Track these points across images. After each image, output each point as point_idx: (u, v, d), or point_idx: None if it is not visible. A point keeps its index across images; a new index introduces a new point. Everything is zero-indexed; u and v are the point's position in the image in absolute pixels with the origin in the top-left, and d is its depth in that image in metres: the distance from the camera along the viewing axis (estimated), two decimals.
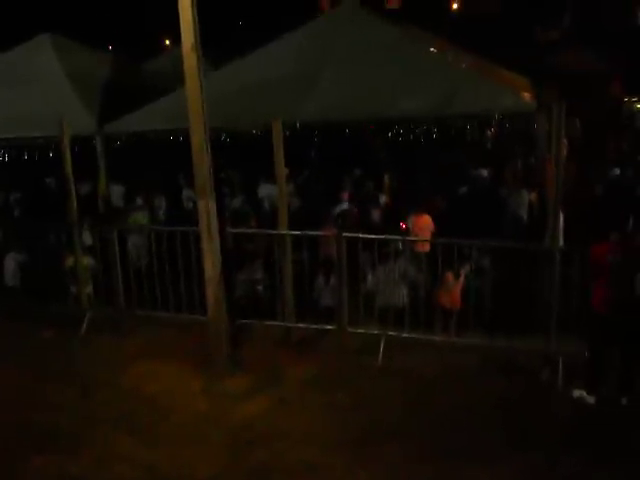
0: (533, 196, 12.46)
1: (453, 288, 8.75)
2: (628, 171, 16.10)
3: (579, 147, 20.89)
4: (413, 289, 8.44)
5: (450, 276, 8.66)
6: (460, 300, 8.75)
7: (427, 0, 44.65)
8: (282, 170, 8.25)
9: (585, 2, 45.73)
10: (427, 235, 10.01)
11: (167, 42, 38.40)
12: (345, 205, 11.78)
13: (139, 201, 12.95)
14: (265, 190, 13.79)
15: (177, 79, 7.81)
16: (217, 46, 17.83)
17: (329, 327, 8.14)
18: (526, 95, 8.49)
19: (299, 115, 9.97)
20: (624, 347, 6.59)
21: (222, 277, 7.48)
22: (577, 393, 6.73)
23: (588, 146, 21.88)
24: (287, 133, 9.76)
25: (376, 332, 7.86)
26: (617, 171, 15.99)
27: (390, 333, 7.77)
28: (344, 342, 7.99)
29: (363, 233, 8.28)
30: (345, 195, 12.47)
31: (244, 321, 8.39)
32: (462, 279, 8.70)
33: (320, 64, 10.46)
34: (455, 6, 55.77)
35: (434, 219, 10.49)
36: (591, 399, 6.64)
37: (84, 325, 8.94)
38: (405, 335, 7.76)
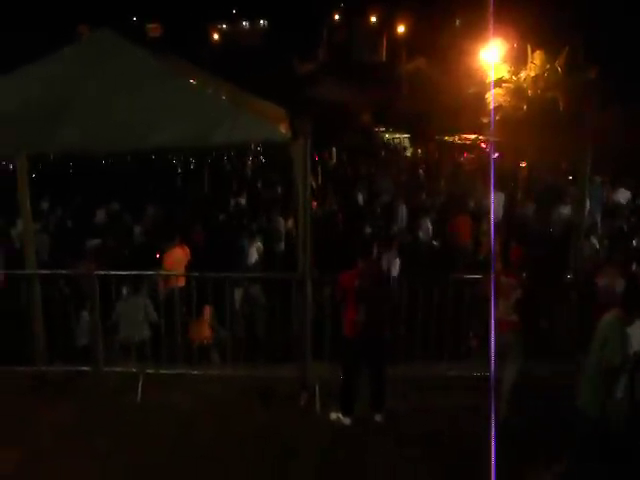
0: (290, 224, 12.85)
1: (204, 322, 8.79)
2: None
3: (334, 174, 22.07)
4: (152, 325, 8.36)
5: (208, 309, 8.68)
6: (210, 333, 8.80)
7: (188, 30, 45.18)
8: (27, 206, 7.85)
9: (338, 39, 48.90)
10: (181, 269, 9.96)
11: None
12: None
13: None
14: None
15: None
16: None
17: (85, 368, 7.84)
18: (282, 126, 8.77)
19: (47, 147, 9.55)
20: (372, 368, 6.97)
21: None
22: (334, 416, 6.98)
23: (342, 172, 23.17)
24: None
25: (134, 370, 7.69)
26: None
27: (148, 371, 7.65)
28: (101, 382, 7.73)
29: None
30: None
31: None
32: (209, 313, 8.77)
33: (73, 94, 10.06)
34: (216, 37, 56.91)
35: (192, 250, 10.49)
36: (347, 420, 6.92)
37: None
38: (163, 371, 7.69)
